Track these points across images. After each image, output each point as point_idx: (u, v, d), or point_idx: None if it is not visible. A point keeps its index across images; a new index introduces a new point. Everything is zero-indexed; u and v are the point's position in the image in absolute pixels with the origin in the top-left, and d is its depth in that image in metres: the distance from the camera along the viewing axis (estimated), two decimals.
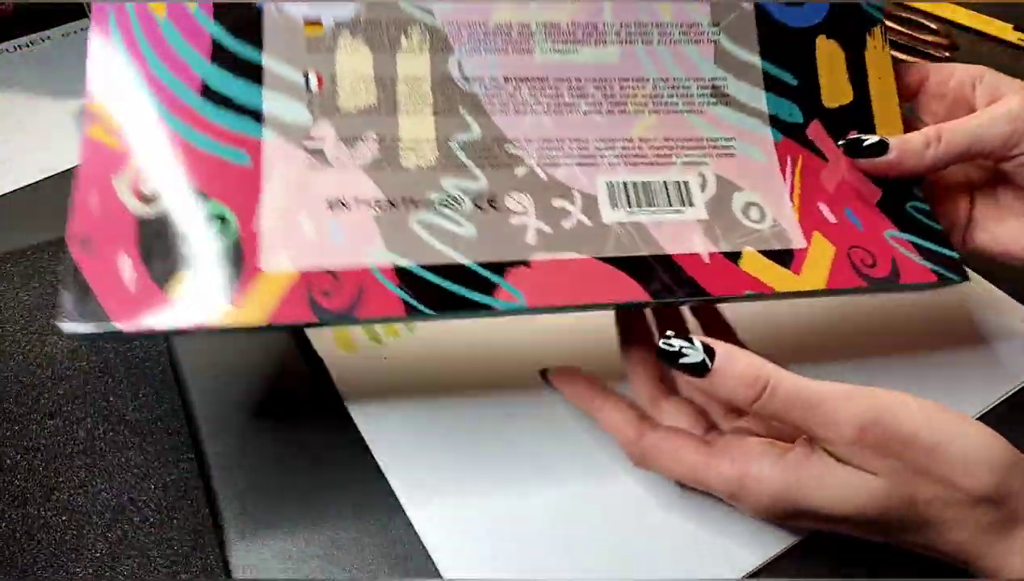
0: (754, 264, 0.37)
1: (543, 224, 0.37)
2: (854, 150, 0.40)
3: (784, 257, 0.38)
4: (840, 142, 0.41)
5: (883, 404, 0.31)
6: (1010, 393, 0.43)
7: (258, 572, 0.37)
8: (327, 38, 0.38)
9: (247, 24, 0.38)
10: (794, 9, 0.42)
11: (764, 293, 0.37)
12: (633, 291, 0.36)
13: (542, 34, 0.40)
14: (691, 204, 0.38)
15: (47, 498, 0.38)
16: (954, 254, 0.39)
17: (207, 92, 0.37)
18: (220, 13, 0.38)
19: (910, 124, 0.43)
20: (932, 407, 0.32)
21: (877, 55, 0.43)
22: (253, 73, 0.37)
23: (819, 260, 0.38)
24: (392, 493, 0.39)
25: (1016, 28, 0.71)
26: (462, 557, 0.37)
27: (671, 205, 0.38)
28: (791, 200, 0.39)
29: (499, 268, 0.35)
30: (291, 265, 0.34)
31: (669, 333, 0.34)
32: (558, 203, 0.37)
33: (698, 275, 0.37)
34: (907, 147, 0.39)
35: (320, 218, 0.35)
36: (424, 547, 0.37)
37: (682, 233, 0.37)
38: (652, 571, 0.36)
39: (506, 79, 0.39)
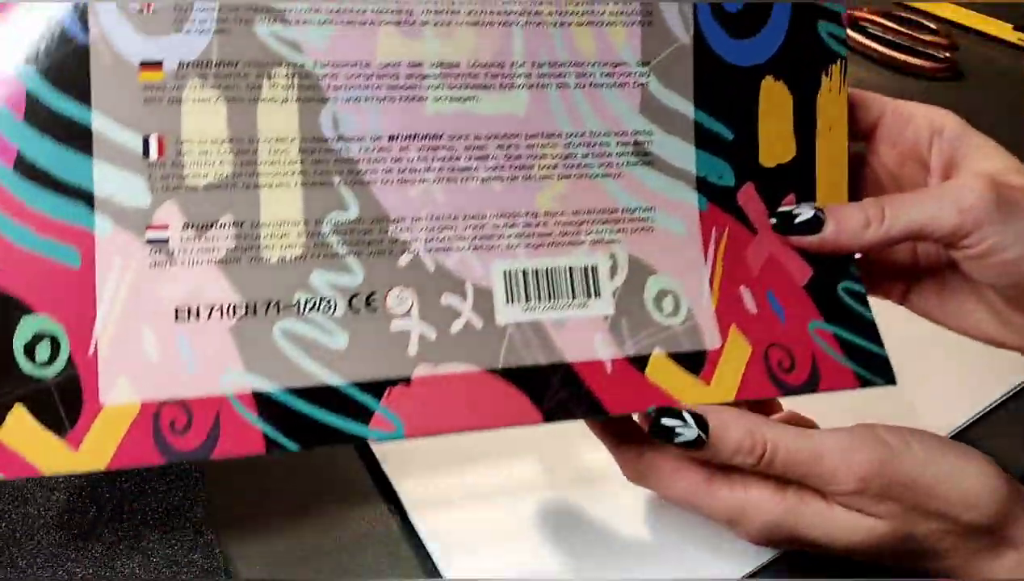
0: (661, 371, 0.34)
1: (428, 328, 0.32)
2: (785, 226, 0.36)
3: (695, 361, 0.34)
4: (770, 216, 0.36)
5: (883, 452, 0.32)
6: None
7: (259, 572, 0.37)
8: (169, 86, 0.31)
9: (70, 69, 0.30)
10: (739, 43, 0.36)
11: (670, 407, 0.34)
12: (526, 412, 0.33)
13: (437, 76, 0.33)
14: (597, 295, 0.34)
15: (47, 498, 0.38)
16: (883, 352, 0.36)
17: (22, 165, 0.30)
18: (34, 52, 0.30)
19: (855, 183, 0.38)
20: (933, 443, 0.32)
21: (832, 99, 0.37)
22: (80, 138, 0.30)
23: (733, 364, 0.35)
24: (394, 492, 0.39)
25: (1016, 28, 0.70)
26: (462, 557, 0.37)
27: (574, 298, 0.34)
28: (711, 285, 0.35)
29: (376, 388, 0.32)
30: (134, 395, 0.30)
31: (655, 411, 0.33)
32: (447, 300, 0.33)
33: (598, 388, 0.33)
34: (845, 225, 0.35)
35: (166, 332, 0.31)
36: (425, 547, 0.38)
37: (584, 334, 0.34)
38: (652, 571, 0.37)
39: (391, 138, 0.33)
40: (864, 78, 0.68)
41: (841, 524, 0.32)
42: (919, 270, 0.39)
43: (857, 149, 0.39)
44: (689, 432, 0.32)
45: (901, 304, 0.39)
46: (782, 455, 0.32)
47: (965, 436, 0.43)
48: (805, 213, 0.35)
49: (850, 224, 0.34)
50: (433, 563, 0.37)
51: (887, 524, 0.32)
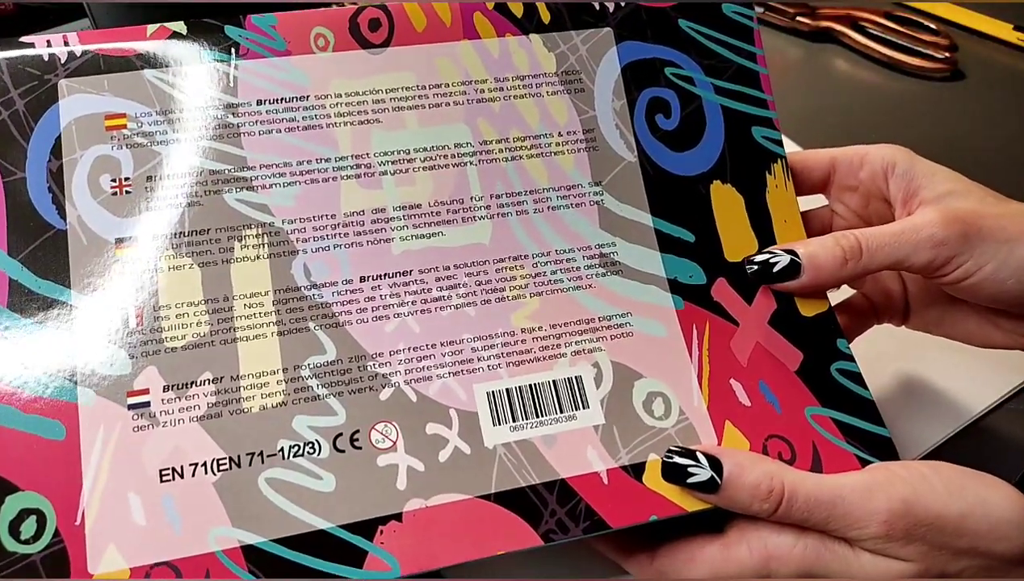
0: (660, 478, 0.33)
1: (415, 460, 0.32)
2: (764, 275, 0.36)
3: None
4: (747, 266, 0.36)
5: (904, 490, 0.31)
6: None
7: None
8: (144, 258, 0.33)
9: (48, 253, 0.32)
10: (682, 156, 0.37)
11: (673, 515, 0.32)
12: (523, 535, 0.31)
13: (401, 218, 0.35)
14: (585, 406, 0.34)
15: None
16: (884, 432, 0.35)
17: (5, 348, 0.31)
18: (14, 243, 0.32)
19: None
20: (952, 475, 0.31)
21: (780, 195, 0.38)
22: (61, 318, 0.32)
23: None
24: None
25: (1016, 28, 0.71)
26: None
27: (562, 411, 0.33)
28: (699, 382, 0.35)
29: (367, 528, 0.31)
30: (123, 561, 0.29)
31: (672, 449, 0.33)
32: (432, 429, 0.32)
33: (596, 502, 0.32)
34: (823, 266, 0.35)
35: (152, 495, 0.30)
36: None
37: (576, 447, 0.33)
38: None
39: (363, 279, 0.34)
40: (864, 78, 0.68)
41: (868, 569, 0.31)
42: (910, 295, 0.41)
43: (821, 208, 0.41)
44: (702, 473, 0.32)
45: (902, 326, 0.42)
46: (801, 500, 0.31)
47: (981, 424, 0.44)
48: (782, 260, 0.35)
49: (828, 264, 0.35)
50: None
51: (917, 566, 0.31)
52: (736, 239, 0.37)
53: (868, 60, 0.69)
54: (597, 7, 0.38)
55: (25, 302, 0.32)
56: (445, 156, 0.36)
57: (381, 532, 0.31)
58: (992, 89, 0.65)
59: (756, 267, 0.36)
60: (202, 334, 0.32)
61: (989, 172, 0.37)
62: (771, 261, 0.36)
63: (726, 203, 0.37)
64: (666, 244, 0.36)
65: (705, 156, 0.38)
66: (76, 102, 0.34)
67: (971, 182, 0.37)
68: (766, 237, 0.37)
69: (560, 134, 0.37)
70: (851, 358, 0.36)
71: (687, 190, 0.37)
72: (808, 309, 0.36)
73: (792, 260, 0.35)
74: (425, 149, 0.36)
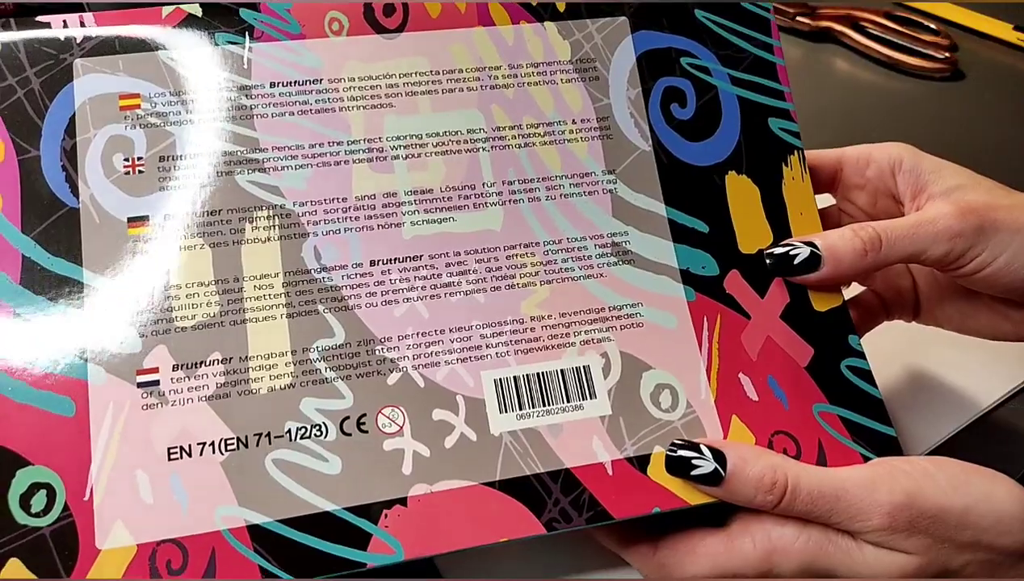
0: (664, 471, 0.32)
1: (421, 446, 0.32)
2: (784, 267, 0.36)
3: None
4: (766, 258, 0.36)
5: (907, 484, 0.31)
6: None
7: None
8: (156, 237, 0.33)
9: (61, 231, 0.32)
10: (697, 146, 0.37)
11: (676, 508, 0.32)
12: (526, 523, 0.31)
13: (412, 203, 0.35)
14: (593, 396, 0.33)
15: None
16: (890, 431, 0.34)
17: (17, 324, 0.31)
18: (28, 221, 0.32)
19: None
20: (956, 470, 0.31)
21: (796, 187, 0.37)
22: (72, 295, 0.32)
23: None
24: None
25: (1016, 28, 0.70)
26: (461, 556, 0.35)
27: (569, 401, 0.33)
28: (708, 375, 0.34)
29: (372, 512, 0.31)
30: (130, 538, 0.30)
31: (676, 442, 0.33)
32: (439, 415, 0.32)
33: (600, 492, 0.32)
34: (843, 258, 0.35)
35: (159, 473, 0.30)
36: None
37: (582, 438, 0.33)
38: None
39: (373, 263, 0.34)
40: (864, 78, 0.68)
41: (871, 562, 0.31)
42: (921, 291, 0.41)
43: (829, 206, 0.41)
44: (706, 465, 0.32)
45: (912, 321, 0.42)
46: (804, 492, 0.31)
47: (988, 420, 0.43)
48: (802, 252, 0.35)
49: (848, 256, 0.35)
50: (433, 563, 0.36)
51: (919, 559, 0.30)
52: (751, 231, 0.36)
53: (868, 60, 0.69)
54: None
55: (38, 279, 0.32)
56: (458, 141, 0.36)
57: (386, 516, 0.31)
58: (992, 89, 0.65)
59: (775, 259, 0.36)
60: (212, 314, 0.32)
61: (989, 172, 0.37)
62: (791, 253, 0.35)
63: (741, 194, 0.37)
64: (679, 234, 0.36)
65: (721, 146, 0.37)
66: (91, 82, 0.34)
67: (977, 175, 0.37)
68: (781, 229, 0.37)
69: (574, 122, 0.37)
70: (862, 355, 0.36)
71: (702, 180, 0.37)
72: (821, 304, 0.36)
73: (812, 252, 0.35)
74: (438, 134, 0.35)
